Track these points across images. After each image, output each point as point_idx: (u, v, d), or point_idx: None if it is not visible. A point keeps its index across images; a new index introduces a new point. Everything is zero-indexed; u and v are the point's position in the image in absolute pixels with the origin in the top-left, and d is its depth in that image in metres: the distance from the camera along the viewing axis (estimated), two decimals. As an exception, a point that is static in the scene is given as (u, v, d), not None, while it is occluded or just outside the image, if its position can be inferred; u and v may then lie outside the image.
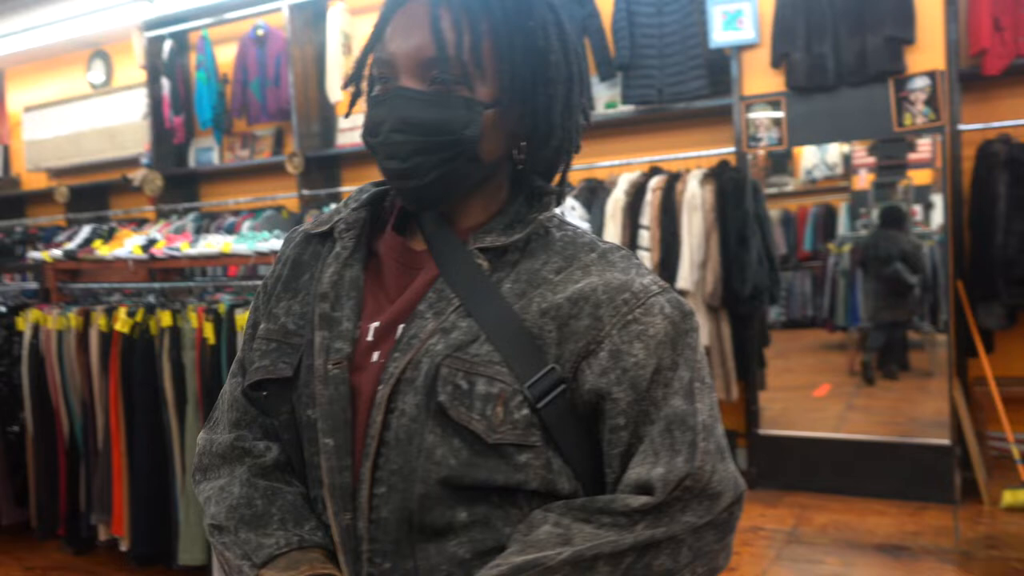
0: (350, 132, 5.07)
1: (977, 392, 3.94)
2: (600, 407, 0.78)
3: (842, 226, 4.92)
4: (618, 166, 4.29)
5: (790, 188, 5.06)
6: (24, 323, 3.24)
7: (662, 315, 0.79)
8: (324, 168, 5.18)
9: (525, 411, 0.76)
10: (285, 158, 4.98)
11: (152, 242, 3.08)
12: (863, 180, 4.78)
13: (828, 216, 5.00)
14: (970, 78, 4.01)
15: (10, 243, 5.47)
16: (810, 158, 4.90)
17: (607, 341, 0.77)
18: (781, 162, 5.01)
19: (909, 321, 4.50)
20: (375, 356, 0.82)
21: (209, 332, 2.75)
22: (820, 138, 4.13)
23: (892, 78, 3.93)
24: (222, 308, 2.76)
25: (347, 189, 5.21)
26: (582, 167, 4.50)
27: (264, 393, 0.87)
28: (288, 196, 5.20)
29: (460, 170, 0.80)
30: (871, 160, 4.73)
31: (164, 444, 2.88)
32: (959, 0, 3.98)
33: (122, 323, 2.88)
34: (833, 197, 4.91)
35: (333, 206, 4.40)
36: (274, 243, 2.98)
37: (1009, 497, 3.45)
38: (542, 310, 0.78)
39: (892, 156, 4.52)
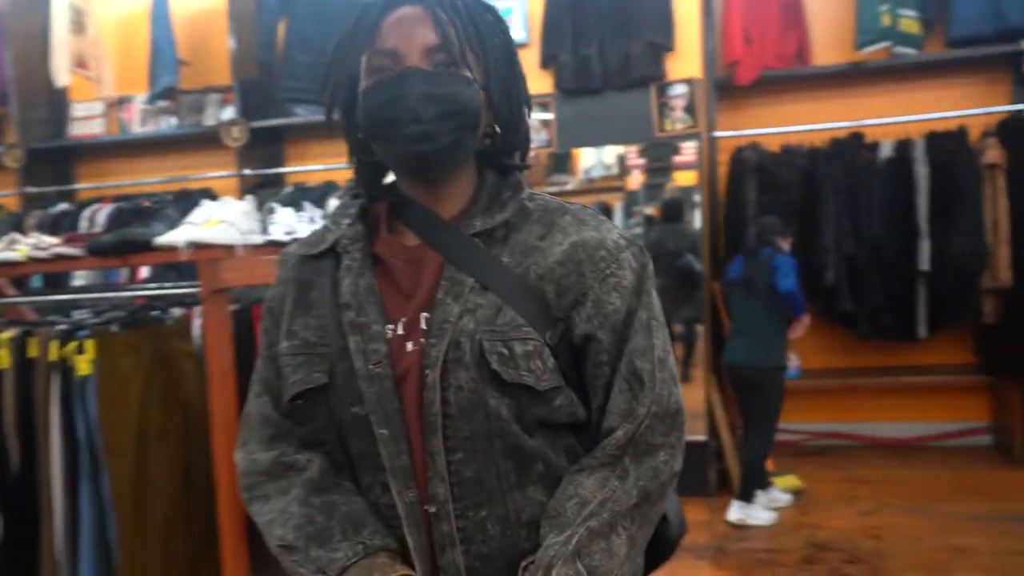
0: (85, 121, 4.48)
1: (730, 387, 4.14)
2: (586, 346, 0.94)
3: (617, 224, 5.03)
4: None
5: (570, 187, 5.11)
6: None
7: (630, 268, 0.95)
8: (53, 162, 4.54)
9: (551, 360, 0.91)
10: (3, 149, 4.31)
11: None
12: (636, 181, 4.91)
13: (605, 214, 5.08)
14: (724, 87, 4.20)
15: None
16: (588, 158, 4.96)
17: (591, 293, 0.93)
18: (562, 161, 5.04)
19: (697, 316, 4.65)
20: (409, 346, 0.91)
21: None
22: (588, 141, 4.15)
23: (654, 84, 4.02)
24: None
25: (83, 187, 4.61)
26: (348, 166, 4.25)
27: (300, 402, 0.96)
28: (7, 194, 4.51)
29: (465, 139, 0.92)
30: (642, 162, 4.87)
31: None
32: (715, 11, 4.14)
33: None
34: (610, 196, 5.01)
35: (61, 206, 3.83)
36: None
37: (779, 483, 3.64)
38: (539, 275, 0.92)
39: (659, 158, 4.66)
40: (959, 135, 3.89)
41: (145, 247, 2.36)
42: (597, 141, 4.17)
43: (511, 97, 0.97)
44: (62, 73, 4.24)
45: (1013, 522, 3.19)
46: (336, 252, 0.98)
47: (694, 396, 4.02)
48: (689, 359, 4.67)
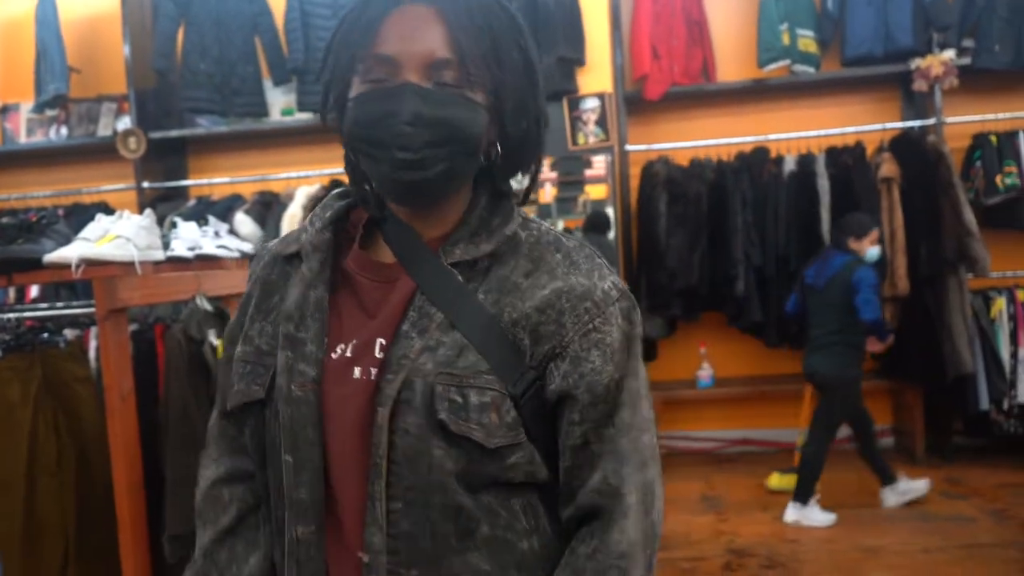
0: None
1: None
2: (561, 404, 0.84)
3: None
4: (295, 178, 3.96)
5: (483, 200, 5.10)
6: None
7: (617, 325, 0.85)
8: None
9: (512, 413, 0.82)
10: None
11: None
12: (548, 194, 4.93)
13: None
14: (635, 101, 4.26)
15: None
16: (502, 171, 4.97)
17: (570, 347, 0.83)
18: (474, 174, 5.03)
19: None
20: (356, 372, 0.84)
21: None
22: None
23: (566, 97, 4.05)
24: None
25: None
26: (254, 179, 4.10)
27: (240, 415, 0.91)
28: None
29: (461, 166, 0.83)
30: (554, 175, 4.90)
31: None
32: (623, 27, 4.21)
33: None
34: (524, 208, 5.01)
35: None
36: None
37: (775, 480, 3.70)
38: (514, 320, 0.83)
39: (571, 172, 4.69)
40: (856, 150, 4.06)
41: (33, 264, 2.19)
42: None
43: (524, 115, 0.86)
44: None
45: (919, 520, 3.32)
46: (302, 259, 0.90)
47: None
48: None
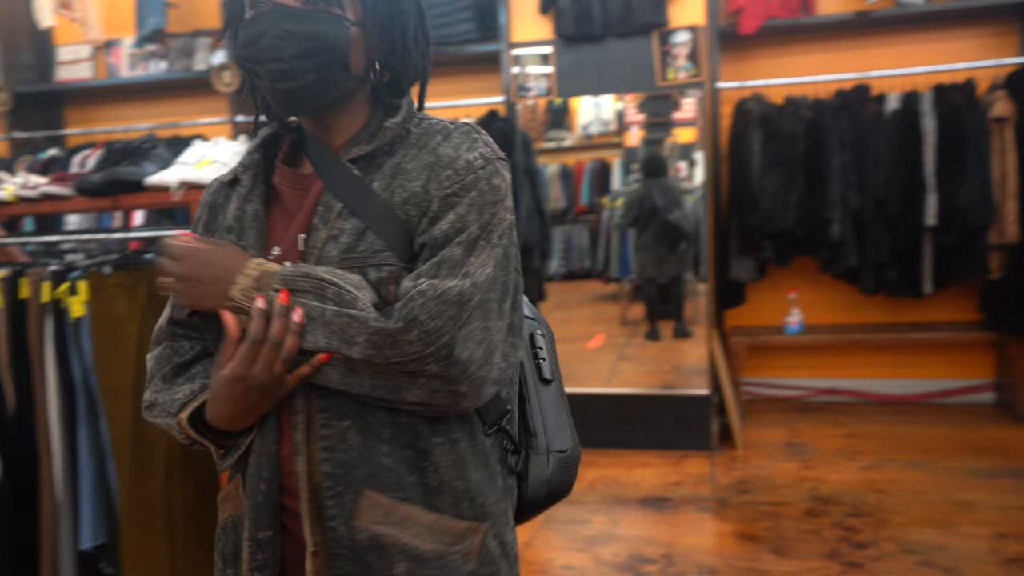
0: (72, 66, 4.34)
1: (733, 341, 4.11)
2: (419, 254, 0.93)
3: (616, 181, 4.97)
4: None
5: (568, 143, 5.03)
6: None
7: (477, 190, 0.93)
8: (41, 107, 4.41)
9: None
10: (-12, 93, 4.18)
11: None
12: (635, 137, 4.82)
13: (603, 171, 5.02)
14: (728, 36, 4.10)
15: None
16: (586, 114, 4.87)
17: (431, 209, 0.92)
18: (559, 117, 4.94)
19: (682, 273, 4.60)
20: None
21: None
22: (588, 89, 4.05)
23: (656, 31, 3.92)
24: None
25: (72, 132, 4.49)
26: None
27: (194, 318, 1.02)
28: (-6, 139, 4.40)
29: (332, 76, 0.93)
30: (641, 117, 4.78)
31: None
32: (719, -43, 4.03)
33: None
34: (608, 153, 4.93)
35: (52, 151, 3.72)
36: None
37: None
38: (404, 199, 0.93)
39: (659, 113, 4.57)
40: (967, 87, 3.81)
41: (135, 187, 2.28)
42: (598, 89, 4.07)
43: (392, 33, 0.96)
44: (46, 14, 4.09)
45: (1017, 478, 3.18)
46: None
47: (696, 352, 3.98)
48: (680, 314, 4.64)
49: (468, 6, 3.85)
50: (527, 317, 1.12)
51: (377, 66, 1.00)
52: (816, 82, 3.96)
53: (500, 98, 3.90)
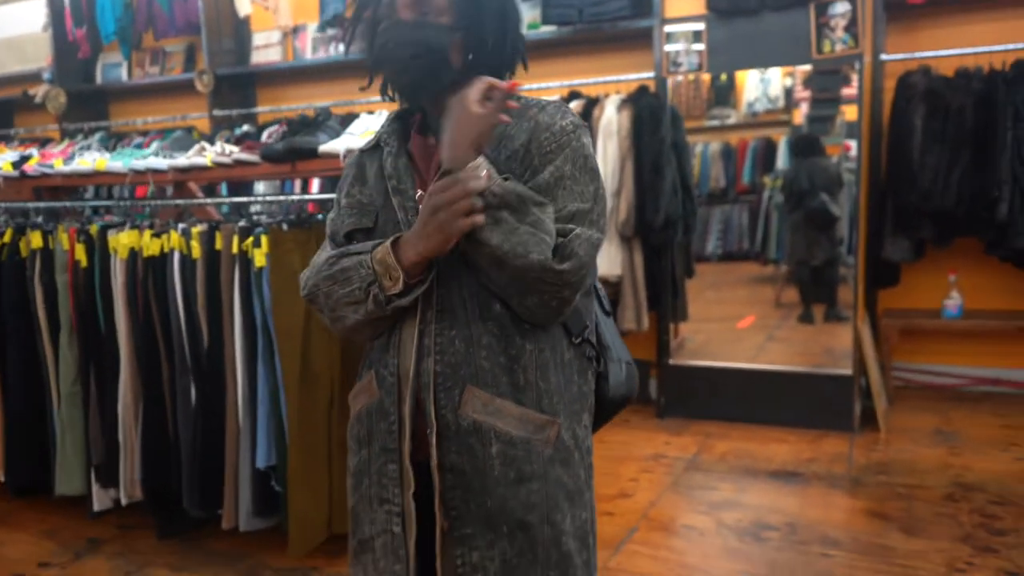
0: (264, 49, 4.84)
1: (884, 324, 3.99)
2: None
3: (781, 160, 4.88)
4: (536, 90, 4.16)
5: (732, 121, 4.99)
6: None
7: (571, 148, 1.17)
8: (237, 87, 4.95)
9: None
10: (195, 75, 4.74)
11: (25, 159, 2.89)
12: (802, 113, 4.72)
13: (768, 150, 4.95)
14: (895, 5, 3.93)
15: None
16: (752, 91, 4.82)
17: (534, 162, 1.16)
18: (723, 94, 4.92)
19: (835, 256, 4.49)
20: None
21: (81, 254, 2.61)
22: (739, 64, 4.04)
23: (813, 2, 3.83)
24: (94, 229, 2.62)
25: (263, 110, 5.00)
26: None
27: (354, 241, 1.25)
28: (199, 116, 4.98)
29: (437, 71, 1.18)
30: (808, 93, 4.66)
31: (38, 371, 2.76)
32: (888, -77, 3.87)
33: (-9, 245, 2.72)
34: (775, 131, 4.86)
35: (245, 127, 4.19)
36: (153, 161, 2.83)
37: None
38: (508, 156, 1.17)
39: (827, 88, 4.46)
40: None
41: (311, 154, 2.59)
42: (750, 64, 4.04)
43: (480, 35, 1.20)
44: (244, 3, 4.59)
45: None
46: (380, 146, 1.29)
47: (844, 333, 3.91)
48: (833, 297, 4.53)
49: (621, -16, 3.94)
50: None
51: (471, 57, 1.22)
52: (991, 52, 3.74)
53: (650, 74, 3.98)
